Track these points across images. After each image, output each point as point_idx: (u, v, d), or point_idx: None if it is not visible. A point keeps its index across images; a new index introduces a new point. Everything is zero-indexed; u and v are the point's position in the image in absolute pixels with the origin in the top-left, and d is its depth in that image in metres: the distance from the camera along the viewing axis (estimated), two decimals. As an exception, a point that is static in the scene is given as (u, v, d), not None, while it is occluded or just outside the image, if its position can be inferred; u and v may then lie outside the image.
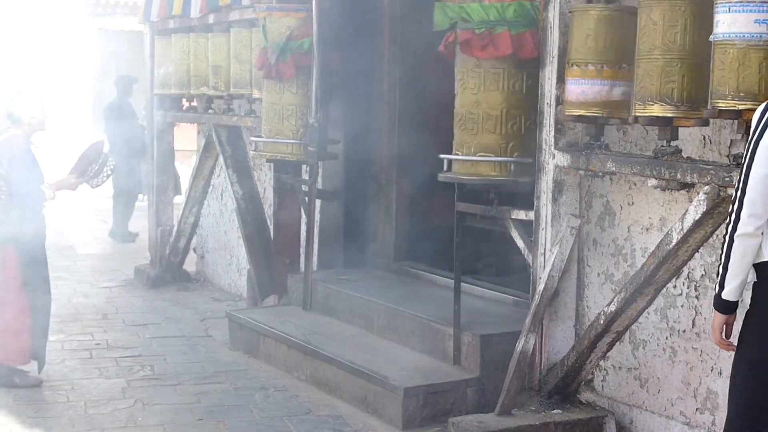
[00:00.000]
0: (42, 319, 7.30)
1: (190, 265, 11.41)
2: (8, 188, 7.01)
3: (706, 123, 5.14)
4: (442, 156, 6.56)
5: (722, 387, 5.31)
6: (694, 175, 4.92)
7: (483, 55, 6.18)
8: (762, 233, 3.99)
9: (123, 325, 9.20)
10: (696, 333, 5.54)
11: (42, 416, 6.67)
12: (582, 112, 5.54)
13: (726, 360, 5.19)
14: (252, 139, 8.74)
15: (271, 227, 9.25)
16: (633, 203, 5.87)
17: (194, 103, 10.61)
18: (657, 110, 5.05)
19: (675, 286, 5.62)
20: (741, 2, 4.57)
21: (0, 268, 7.12)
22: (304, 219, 8.70)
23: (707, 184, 4.86)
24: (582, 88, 5.51)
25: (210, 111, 10.11)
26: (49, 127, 7.42)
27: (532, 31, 6.08)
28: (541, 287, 6.01)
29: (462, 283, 6.82)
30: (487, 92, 6.25)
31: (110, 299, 10.40)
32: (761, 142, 3.93)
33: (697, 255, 5.32)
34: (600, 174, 5.77)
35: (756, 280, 4.09)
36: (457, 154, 6.38)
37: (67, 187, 7.43)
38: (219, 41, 9.51)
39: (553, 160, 5.95)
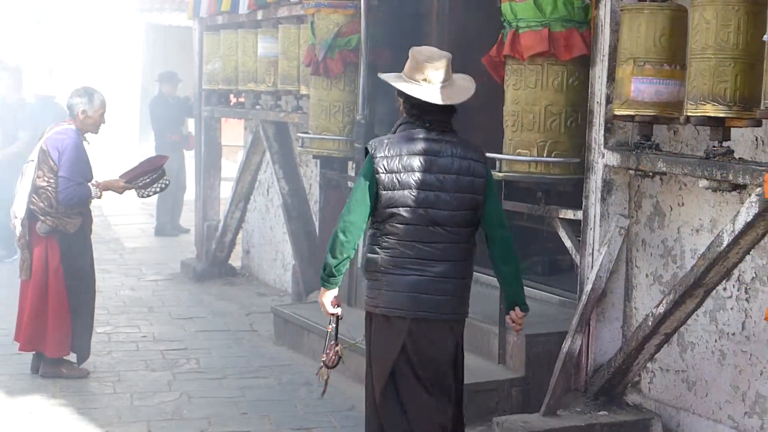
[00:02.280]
0: (84, 312, 7.35)
1: (235, 259, 11.46)
2: (56, 181, 7.07)
3: (758, 123, 5.08)
4: (490, 155, 6.52)
5: (772, 391, 5.27)
6: (747, 177, 4.86)
7: (568, 55, 6.11)
8: None
9: (169, 318, 9.26)
10: (746, 336, 5.47)
11: (88, 407, 6.73)
12: (635, 112, 5.49)
13: (776, 364, 5.14)
14: (299, 135, 8.76)
15: (317, 223, 9.26)
16: (683, 204, 5.82)
17: (241, 99, 10.65)
18: (709, 110, 5.00)
19: (725, 289, 5.56)
20: (797, 1, 4.52)
21: (43, 261, 7.18)
22: (349, 215, 8.67)
23: (759, 186, 4.80)
24: (640, 87, 5.45)
25: (257, 107, 10.15)
26: (101, 132, 7.47)
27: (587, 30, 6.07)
28: (588, 287, 5.97)
29: (508, 282, 6.78)
30: (544, 90, 6.20)
31: (156, 292, 10.47)
32: None
33: (747, 257, 5.26)
34: (650, 174, 5.72)
35: None
36: (506, 153, 6.35)
37: (115, 189, 7.48)
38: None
39: (602, 159, 5.91)
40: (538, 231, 7.77)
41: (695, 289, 5.32)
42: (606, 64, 5.84)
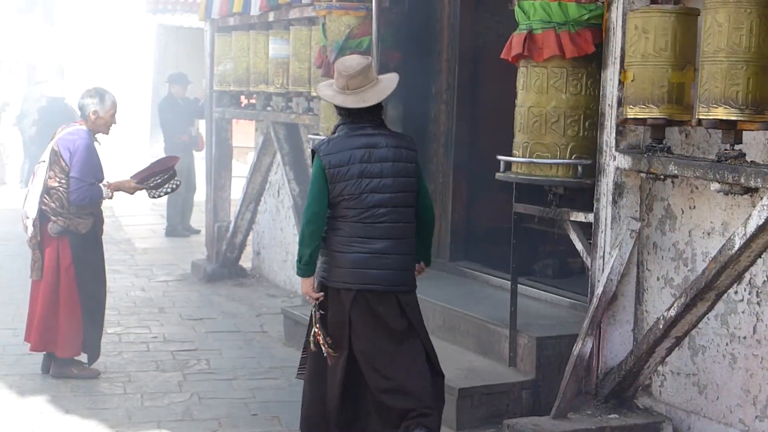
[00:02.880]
0: (95, 313, 7.36)
1: (245, 261, 11.48)
2: (68, 182, 7.09)
3: (771, 127, 5.07)
4: (500, 157, 6.53)
5: (783, 395, 5.25)
6: (758, 180, 4.84)
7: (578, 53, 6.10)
8: None
9: (179, 319, 9.28)
10: (757, 340, 5.46)
11: (99, 407, 6.74)
12: (645, 115, 5.48)
13: (787, 368, 5.12)
14: (310, 136, 8.77)
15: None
16: (695, 207, 5.81)
17: (252, 100, 10.67)
18: (721, 113, 4.98)
19: (736, 292, 5.54)
20: (810, 5, 4.50)
21: (55, 262, 7.19)
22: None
23: (772, 189, 4.80)
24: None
25: (268, 108, 10.16)
26: (111, 132, 7.49)
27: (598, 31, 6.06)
28: (599, 290, 5.96)
29: (518, 285, 6.79)
30: (552, 93, 6.19)
31: (167, 293, 10.49)
32: None
33: (759, 261, 5.24)
34: (661, 177, 5.70)
35: None
36: (516, 155, 6.34)
37: (126, 190, 7.49)
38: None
39: (613, 162, 5.90)
40: (549, 233, 7.77)
41: (706, 292, 5.31)
42: (618, 66, 5.82)
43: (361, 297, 5.47)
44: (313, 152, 5.59)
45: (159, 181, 7.57)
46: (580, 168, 6.16)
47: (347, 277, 5.48)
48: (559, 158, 6.18)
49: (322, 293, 5.55)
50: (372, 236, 5.46)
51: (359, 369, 5.55)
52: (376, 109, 5.57)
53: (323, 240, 5.55)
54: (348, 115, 5.57)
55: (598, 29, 6.03)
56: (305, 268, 5.57)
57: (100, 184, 7.22)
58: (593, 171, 6.09)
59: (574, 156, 6.19)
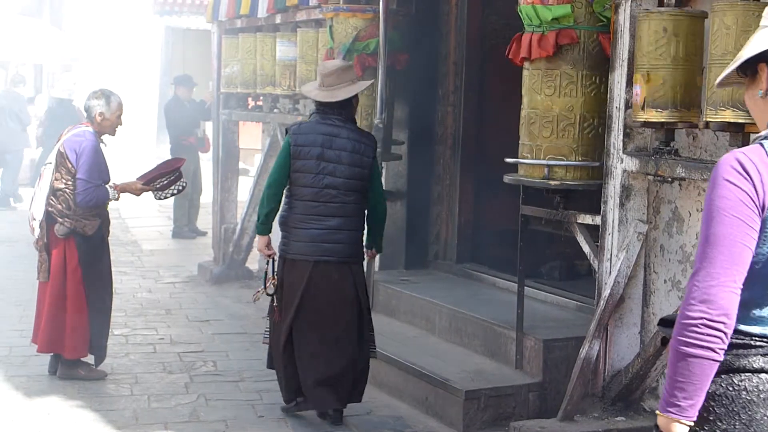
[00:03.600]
0: (102, 314, 7.37)
1: (252, 262, 11.47)
2: (74, 183, 7.10)
3: (778, 129, 5.05)
4: (508, 160, 6.53)
5: (790, 398, 5.23)
6: (766, 183, 4.84)
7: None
8: None
9: (186, 321, 9.28)
10: (764, 342, 5.45)
11: (106, 409, 6.75)
12: (675, 119, 5.47)
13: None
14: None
15: (334, 227, 9.25)
16: (702, 209, 5.79)
17: (259, 102, 10.67)
18: (729, 116, 4.98)
19: (743, 295, 5.53)
20: (818, 7, 4.49)
21: (62, 263, 7.20)
22: (367, 219, 8.69)
23: (779, 192, 4.78)
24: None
25: (275, 110, 10.16)
26: (118, 134, 7.50)
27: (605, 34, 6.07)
28: (606, 293, 5.96)
29: (525, 287, 6.79)
30: (559, 95, 6.20)
31: (174, 295, 10.50)
32: None
33: (766, 263, 5.23)
34: (669, 179, 5.70)
35: None
36: (525, 157, 6.34)
37: (132, 191, 7.50)
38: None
39: (621, 164, 5.90)
40: (556, 236, 7.78)
41: (713, 295, 5.30)
42: (625, 69, 5.83)
43: (317, 267, 6.34)
44: (286, 131, 6.60)
45: (165, 182, 7.58)
46: (591, 170, 6.17)
47: (305, 250, 6.35)
48: (568, 161, 6.19)
49: (274, 251, 6.50)
50: (326, 214, 6.32)
51: (302, 335, 6.42)
52: (346, 106, 6.45)
53: (283, 218, 6.44)
54: (322, 107, 6.47)
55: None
56: (262, 227, 6.52)
57: (107, 186, 7.23)
58: (601, 173, 6.09)
59: (580, 159, 6.20)
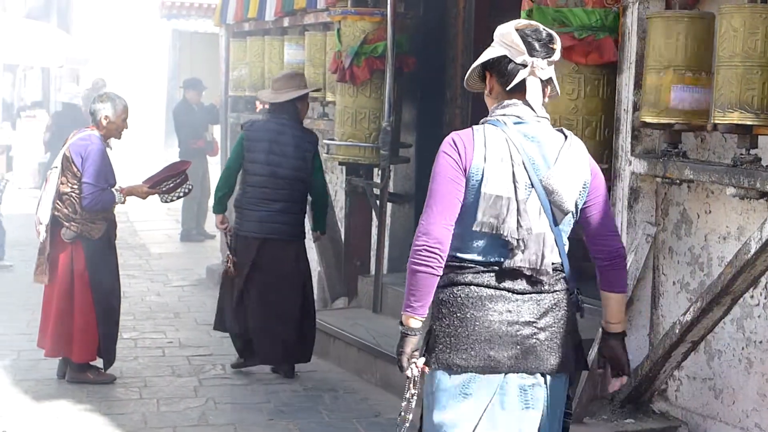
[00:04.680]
0: (110, 318, 7.38)
1: (260, 266, 11.47)
2: (80, 187, 7.10)
3: (787, 131, 5.05)
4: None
5: (800, 400, 5.23)
6: (774, 184, 4.84)
7: (587, 61, 6.05)
8: None
9: (195, 324, 9.29)
10: (773, 344, 5.45)
11: (115, 413, 6.76)
12: (661, 120, 5.47)
13: (804, 372, 5.10)
14: (325, 142, 8.78)
15: (342, 230, 9.28)
16: (710, 212, 5.80)
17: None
18: (736, 118, 4.97)
19: (752, 296, 5.53)
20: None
21: (69, 267, 7.21)
22: (375, 222, 8.71)
23: (788, 194, 4.78)
24: (681, 95, 5.42)
25: (283, 113, 10.15)
26: (124, 137, 7.51)
27: None
28: (614, 295, 5.94)
29: (534, 289, 6.77)
30: (587, 98, 6.16)
31: (182, 298, 10.52)
32: None
33: (775, 265, 5.23)
34: (677, 181, 5.70)
35: None
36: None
37: (138, 194, 7.52)
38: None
39: (629, 166, 5.89)
40: (563, 238, 7.75)
41: (722, 297, 5.30)
42: (633, 71, 5.82)
43: (264, 243, 7.42)
44: (241, 126, 7.80)
45: (171, 185, 7.59)
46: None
47: (254, 228, 7.42)
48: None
49: (229, 224, 7.67)
50: (272, 199, 7.37)
51: (251, 301, 7.45)
52: (292, 108, 7.51)
53: (238, 200, 7.54)
54: (272, 109, 7.60)
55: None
56: (217, 206, 7.71)
57: (113, 189, 7.23)
58: (609, 175, 6.09)
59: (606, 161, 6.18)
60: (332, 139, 8.57)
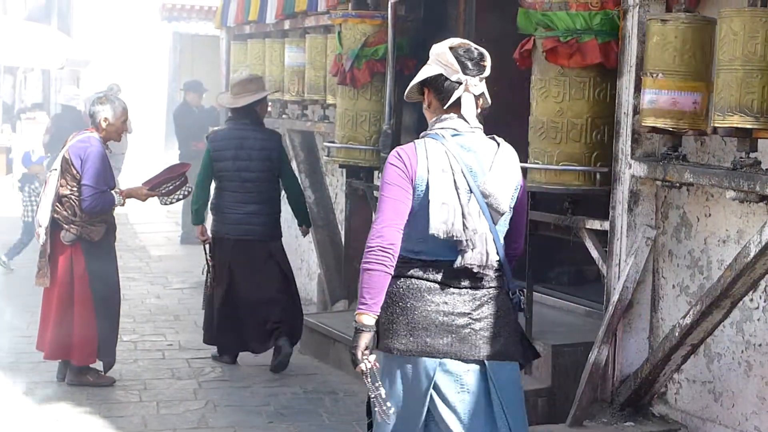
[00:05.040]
0: (110, 320, 7.38)
1: (260, 268, 11.47)
2: (79, 189, 7.10)
3: (786, 135, 5.05)
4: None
5: (799, 403, 5.23)
6: (774, 188, 4.84)
7: (570, 64, 6.09)
8: None
9: (195, 327, 9.28)
10: (773, 348, 5.45)
11: (115, 415, 6.76)
12: (660, 123, 5.48)
13: (804, 376, 5.10)
14: (325, 144, 8.79)
15: (343, 232, 9.28)
16: (710, 215, 5.80)
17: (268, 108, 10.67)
18: (736, 121, 4.98)
19: (752, 300, 5.54)
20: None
21: (69, 270, 7.21)
22: (375, 225, 8.70)
23: (788, 197, 4.79)
24: (661, 98, 5.43)
25: (284, 116, 10.18)
26: (124, 139, 7.52)
27: (617, 41, 6.03)
28: (615, 298, 5.96)
29: (534, 292, 6.79)
30: (572, 101, 6.19)
31: (182, 301, 10.52)
32: None
33: (775, 268, 5.23)
34: (677, 185, 5.71)
35: None
36: (536, 163, 6.34)
37: (137, 197, 7.53)
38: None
39: (629, 170, 5.90)
40: (564, 241, 7.75)
41: (722, 300, 5.31)
42: (633, 75, 5.83)
43: (239, 244, 7.77)
44: (206, 137, 8.14)
45: (171, 187, 7.60)
46: (598, 176, 6.16)
47: (230, 230, 7.78)
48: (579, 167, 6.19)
49: (210, 236, 7.95)
50: (245, 202, 7.72)
51: (236, 300, 7.79)
52: (252, 112, 7.88)
53: (214, 204, 7.90)
54: (234, 115, 7.95)
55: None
56: (195, 218, 8.08)
57: (112, 191, 7.24)
58: (610, 179, 6.09)
59: (599, 164, 6.18)
60: (333, 142, 8.57)
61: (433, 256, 4.10)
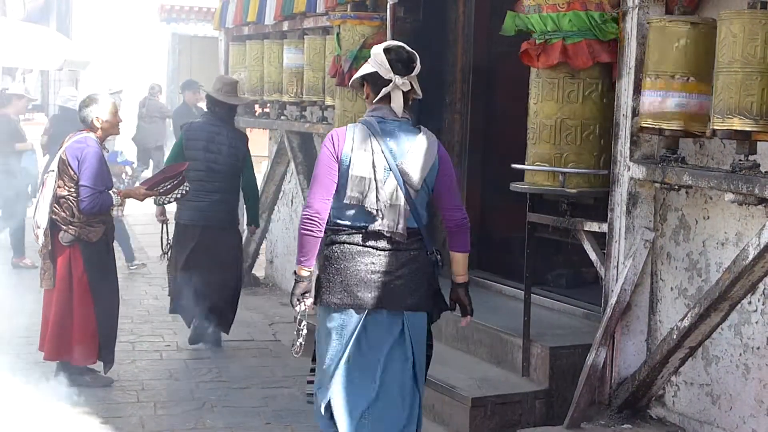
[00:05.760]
0: (109, 321, 7.37)
1: (259, 269, 11.48)
2: (77, 190, 7.09)
3: (785, 137, 5.05)
4: (514, 166, 6.53)
5: (797, 406, 5.23)
6: (773, 190, 4.84)
7: (538, 65, 6.17)
8: None
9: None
10: (771, 350, 5.45)
11: (112, 416, 6.76)
12: (659, 125, 5.48)
13: (802, 378, 5.10)
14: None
15: (341, 233, 9.26)
16: (708, 217, 5.80)
17: (267, 109, 10.69)
18: (736, 124, 4.97)
19: (750, 302, 5.53)
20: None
21: (67, 270, 7.20)
22: (373, 226, 8.71)
23: (786, 200, 4.78)
24: (663, 100, 5.43)
25: (282, 117, 10.18)
26: (122, 130, 7.51)
27: (588, 41, 6.02)
28: (613, 300, 5.96)
29: (532, 295, 6.78)
30: (543, 102, 6.22)
31: (180, 302, 10.47)
32: None
33: (773, 271, 5.23)
34: (676, 187, 5.70)
35: None
36: (534, 164, 6.34)
37: (135, 196, 7.52)
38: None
39: (628, 172, 5.90)
40: (562, 243, 7.76)
41: (720, 302, 5.30)
42: (632, 76, 5.83)
43: (205, 230, 8.34)
44: (180, 127, 8.70)
45: (168, 186, 7.60)
46: (600, 178, 6.16)
47: (194, 217, 8.33)
48: (576, 168, 6.19)
49: (167, 218, 8.55)
50: (210, 191, 8.28)
51: (193, 274, 8.27)
52: (231, 113, 8.62)
53: (180, 194, 8.02)
54: (210, 111, 8.59)
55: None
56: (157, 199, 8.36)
57: (110, 192, 7.23)
58: (608, 181, 6.09)
59: (569, 165, 6.19)
60: (331, 143, 8.56)
61: (357, 223, 4.95)
